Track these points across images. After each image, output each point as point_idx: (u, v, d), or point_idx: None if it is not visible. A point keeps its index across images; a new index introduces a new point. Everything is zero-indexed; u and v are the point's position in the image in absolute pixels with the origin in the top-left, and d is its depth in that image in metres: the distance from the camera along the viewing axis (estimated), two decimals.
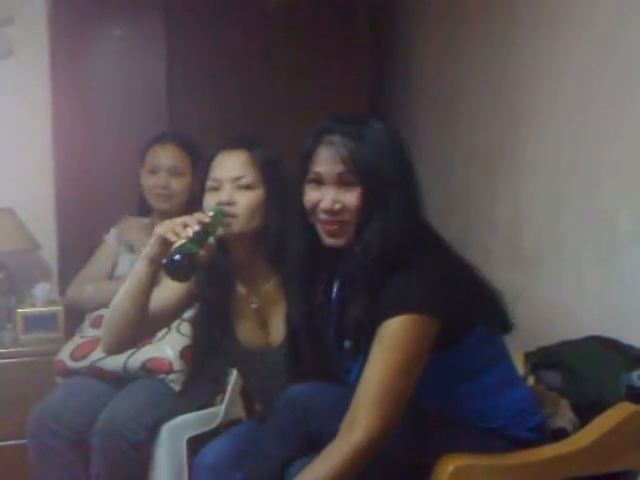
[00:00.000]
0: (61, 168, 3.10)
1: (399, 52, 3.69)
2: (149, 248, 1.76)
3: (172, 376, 2.27)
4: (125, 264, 2.53)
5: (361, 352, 1.62)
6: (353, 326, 1.64)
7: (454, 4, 3.16)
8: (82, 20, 3.10)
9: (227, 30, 3.26)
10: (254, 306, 1.93)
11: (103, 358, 2.29)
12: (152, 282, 1.80)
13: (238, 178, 1.83)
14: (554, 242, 2.53)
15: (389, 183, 1.61)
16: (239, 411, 2.34)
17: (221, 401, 2.33)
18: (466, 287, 1.64)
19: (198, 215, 1.75)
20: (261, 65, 3.30)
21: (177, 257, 1.64)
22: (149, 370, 2.27)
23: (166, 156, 2.51)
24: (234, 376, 2.29)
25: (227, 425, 2.25)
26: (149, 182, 2.51)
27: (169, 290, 1.90)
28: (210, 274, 1.89)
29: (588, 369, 2.00)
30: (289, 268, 1.76)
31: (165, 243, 1.72)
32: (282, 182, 1.86)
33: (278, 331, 1.90)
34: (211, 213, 1.77)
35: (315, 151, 1.65)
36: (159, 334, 2.31)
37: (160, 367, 2.27)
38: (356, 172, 1.60)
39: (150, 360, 2.27)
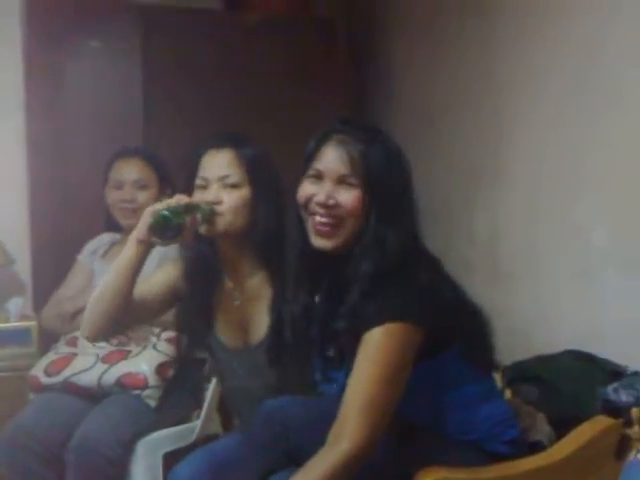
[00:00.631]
0: (35, 182, 3.06)
1: (380, 68, 3.71)
2: (138, 229, 1.80)
3: (148, 392, 2.25)
4: (101, 272, 2.48)
5: (345, 361, 1.61)
6: (338, 335, 1.63)
7: (434, 20, 3.18)
8: (57, 32, 3.07)
9: (204, 43, 3.25)
10: (237, 302, 1.95)
11: (78, 373, 2.26)
12: (140, 264, 1.83)
13: (224, 177, 1.85)
14: (532, 258, 2.55)
15: (393, 191, 1.61)
16: (216, 427, 2.33)
17: (198, 417, 2.31)
18: (450, 301, 1.63)
19: (190, 198, 1.82)
20: (239, 79, 3.29)
21: (165, 213, 1.74)
22: (124, 386, 2.24)
23: (130, 170, 2.49)
24: (211, 391, 2.28)
25: (204, 441, 2.23)
26: (114, 197, 2.50)
27: (152, 284, 1.95)
28: (197, 268, 1.92)
29: (564, 383, 2.01)
30: (291, 264, 1.76)
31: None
32: (269, 181, 1.88)
33: (257, 330, 1.92)
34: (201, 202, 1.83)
35: (320, 150, 1.64)
36: (135, 350, 2.30)
37: (135, 382, 2.24)
38: (362, 175, 1.59)
39: (125, 375, 2.25)
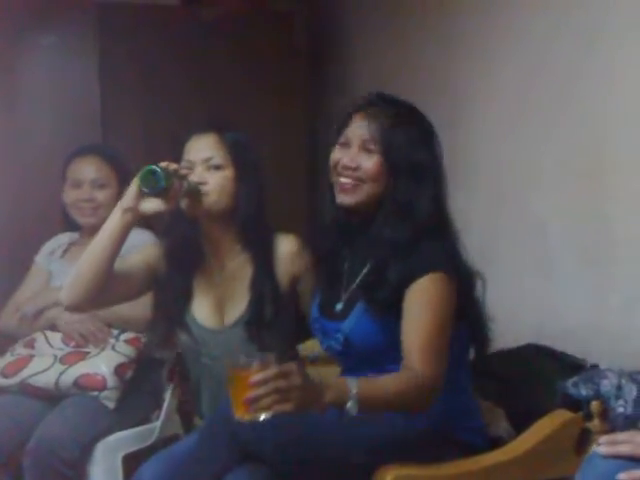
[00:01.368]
0: None
1: (339, 64, 3.71)
2: (124, 198, 1.83)
3: (106, 393, 2.21)
4: (60, 273, 2.45)
5: (350, 314, 1.75)
6: (363, 288, 1.75)
7: (392, 22, 3.18)
8: (11, 28, 3.03)
9: (161, 39, 3.22)
10: (216, 283, 1.98)
11: (35, 375, 2.22)
12: (124, 234, 1.84)
13: (208, 159, 1.92)
14: (492, 252, 2.55)
15: (414, 163, 1.74)
16: (176, 427, 2.31)
17: (157, 417, 2.29)
18: (469, 270, 1.78)
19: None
20: (196, 74, 3.27)
21: (155, 167, 1.78)
22: (82, 387, 2.21)
23: (88, 169, 2.46)
24: (170, 392, 2.26)
25: (164, 442, 2.20)
26: (72, 196, 2.46)
27: (132, 263, 1.98)
28: (179, 249, 1.97)
29: (524, 377, 2.03)
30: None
31: (141, 194, 1.80)
32: (251, 163, 1.97)
33: (234, 309, 1.95)
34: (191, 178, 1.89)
35: (351, 119, 1.80)
36: (93, 351, 2.27)
37: (93, 383, 2.21)
38: (382, 143, 1.73)
39: (83, 376, 2.21)
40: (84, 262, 1.89)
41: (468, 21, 2.70)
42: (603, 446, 1.21)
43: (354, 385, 1.52)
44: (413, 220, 1.72)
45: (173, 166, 1.84)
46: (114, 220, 1.84)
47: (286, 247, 1.99)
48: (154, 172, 1.79)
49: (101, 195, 2.44)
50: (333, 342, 1.79)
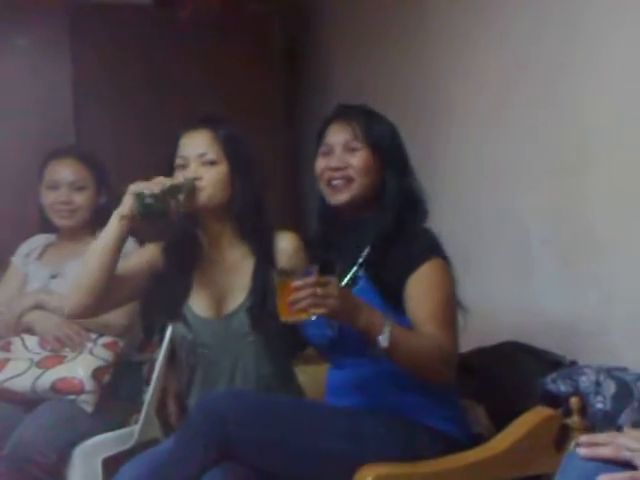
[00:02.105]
0: None
1: (316, 67, 3.70)
2: (121, 205, 1.85)
3: (83, 397, 2.19)
4: (36, 275, 2.43)
5: None
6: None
7: (371, 22, 3.18)
8: None
9: (134, 39, 3.20)
10: (215, 275, 1.99)
11: (10, 378, 2.20)
12: (122, 240, 1.87)
13: (202, 155, 1.94)
14: (473, 251, 2.56)
15: (397, 152, 1.85)
16: (156, 431, 2.29)
17: (136, 421, 2.26)
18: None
19: (172, 178, 1.89)
20: (170, 75, 3.25)
21: (148, 200, 1.81)
22: (59, 390, 2.18)
23: (66, 171, 2.43)
24: (150, 394, 2.24)
25: (143, 445, 2.18)
26: (50, 198, 2.43)
27: (133, 264, 1.99)
28: (179, 243, 1.99)
29: (504, 374, 2.03)
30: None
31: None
32: (245, 158, 1.99)
33: (232, 301, 1.96)
34: (182, 179, 1.90)
35: (327, 128, 1.87)
36: (70, 355, 2.24)
37: (71, 387, 2.19)
38: (363, 138, 1.82)
39: (60, 380, 2.19)
40: (85, 271, 1.90)
41: (448, 20, 2.71)
42: (583, 448, 1.19)
43: (390, 322, 1.61)
44: (409, 206, 1.82)
45: (166, 183, 1.84)
46: (111, 228, 1.86)
47: (286, 244, 1.99)
48: (147, 200, 1.81)
49: (79, 197, 2.41)
50: (327, 330, 1.81)
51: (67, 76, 3.11)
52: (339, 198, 1.83)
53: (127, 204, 1.84)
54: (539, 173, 2.29)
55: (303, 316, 1.58)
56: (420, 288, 1.72)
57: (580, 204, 2.13)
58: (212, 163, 1.94)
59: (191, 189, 1.90)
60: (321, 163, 1.86)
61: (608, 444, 1.18)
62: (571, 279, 2.17)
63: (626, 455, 1.16)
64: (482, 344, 2.21)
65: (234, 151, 1.97)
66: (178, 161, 1.95)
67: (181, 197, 1.86)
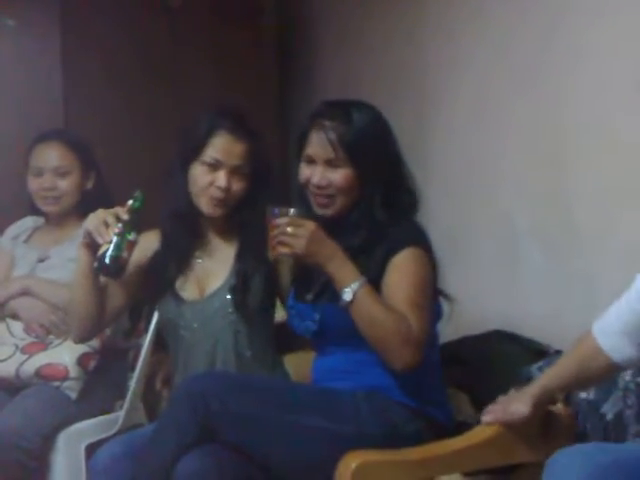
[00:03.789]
0: None
1: (306, 56, 3.69)
2: (82, 238, 1.87)
3: (68, 383, 2.19)
4: (23, 259, 2.41)
5: (328, 294, 1.78)
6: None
7: (358, 12, 3.18)
8: None
9: (126, 23, 3.17)
10: (199, 261, 2.00)
11: None
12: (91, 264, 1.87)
13: (238, 167, 1.93)
14: (459, 242, 2.57)
15: (378, 162, 1.78)
16: (140, 417, 2.29)
17: (121, 407, 2.26)
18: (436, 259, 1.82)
19: (117, 211, 1.84)
20: (161, 60, 3.22)
21: (106, 262, 1.81)
22: (44, 377, 2.18)
23: (50, 156, 2.39)
24: (134, 380, 2.23)
25: (128, 431, 2.17)
26: (34, 185, 2.40)
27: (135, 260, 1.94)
28: (176, 234, 1.99)
29: (489, 363, 2.04)
30: None
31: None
32: (271, 177, 2.01)
33: (214, 282, 1.98)
34: (130, 202, 1.85)
35: (308, 133, 1.81)
36: (56, 341, 2.24)
37: (55, 373, 2.18)
38: (344, 156, 1.76)
39: (45, 366, 2.18)
40: (74, 303, 1.94)
41: (433, 13, 2.72)
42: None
43: (363, 281, 1.65)
44: (393, 209, 1.79)
45: (116, 231, 1.81)
46: (82, 259, 1.89)
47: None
48: (107, 267, 1.82)
49: (63, 183, 2.39)
50: (309, 323, 1.82)
51: (57, 59, 3.06)
52: (324, 212, 1.81)
53: (87, 238, 1.85)
54: (524, 166, 2.31)
55: (278, 257, 1.73)
56: (396, 274, 1.71)
57: (564, 196, 2.15)
58: (243, 176, 1.95)
59: (142, 205, 1.87)
60: (305, 172, 1.82)
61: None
62: (556, 269, 2.19)
63: None
64: (468, 333, 2.22)
65: (262, 169, 1.98)
66: (208, 159, 1.93)
67: (133, 237, 1.84)
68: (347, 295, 1.65)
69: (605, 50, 1.97)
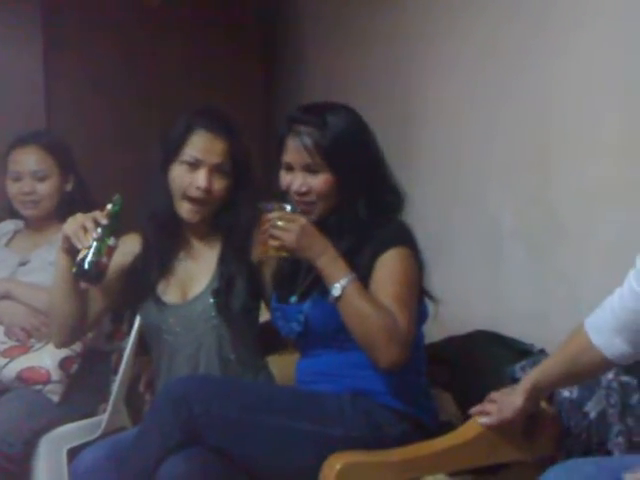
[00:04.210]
0: None
1: (290, 55, 3.68)
2: (61, 243, 1.83)
3: (50, 387, 2.17)
4: (4, 262, 2.38)
5: (312, 295, 1.79)
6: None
7: (343, 13, 3.18)
8: None
9: (107, 25, 3.15)
10: (181, 262, 2.00)
11: None
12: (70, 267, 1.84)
13: (218, 165, 1.91)
14: (445, 241, 2.57)
15: (357, 165, 1.77)
16: (124, 420, 2.27)
17: (104, 410, 2.24)
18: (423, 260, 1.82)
19: (96, 215, 1.80)
20: (144, 62, 3.21)
21: (85, 267, 1.77)
22: (25, 380, 2.16)
23: (29, 160, 2.36)
24: (117, 383, 2.21)
25: (111, 435, 2.16)
26: (13, 189, 2.38)
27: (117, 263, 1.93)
28: (158, 236, 1.97)
29: (473, 363, 2.03)
30: None
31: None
32: (252, 175, 1.98)
33: (196, 286, 1.96)
34: (109, 206, 1.82)
35: (284, 140, 1.79)
36: (37, 344, 2.22)
37: (37, 377, 2.16)
38: (321, 161, 1.74)
39: (26, 370, 2.16)
40: (53, 310, 1.93)
41: (418, 12, 2.71)
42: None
43: (352, 277, 1.66)
44: (374, 212, 1.78)
45: (94, 236, 1.78)
46: (59, 265, 1.87)
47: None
48: (86, 272, 1.78)
49: (42, 187, 2.36)
50: (294, 324, 1.81)
51: (39, 59, 3.05)
52: (307, 218, 1.78)
53: (65, 244, 1.81)
54: (509, 167, 2.31)
55: (269, 252, 1.72)
56: (383, 272, 1.70)
57: (548, 196, 2.15)
58: (224, 174, 1.92)
59: (120, 208, 1.84)
60: (285, 179, 1.81)
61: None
62: (540, 270, 2.19)
63: None
64: (452, 333, 2.22)
65: (242, 167, 1.95)
66: (187, 158, 1.90)
67: (112, 242, 1.80)
68: (336, 290, 1.65)
69: (591, 51, 1.97)
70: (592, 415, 1.63)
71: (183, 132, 1.92)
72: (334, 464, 1.61)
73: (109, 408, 2.21)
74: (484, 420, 1.64)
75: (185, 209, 1.92)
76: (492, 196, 2.38)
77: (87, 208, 1.90)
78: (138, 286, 1.98)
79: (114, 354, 2.37)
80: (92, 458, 1.82)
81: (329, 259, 1.69)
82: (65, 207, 2.31)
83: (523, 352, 1.98)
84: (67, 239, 1.80)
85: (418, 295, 1.76)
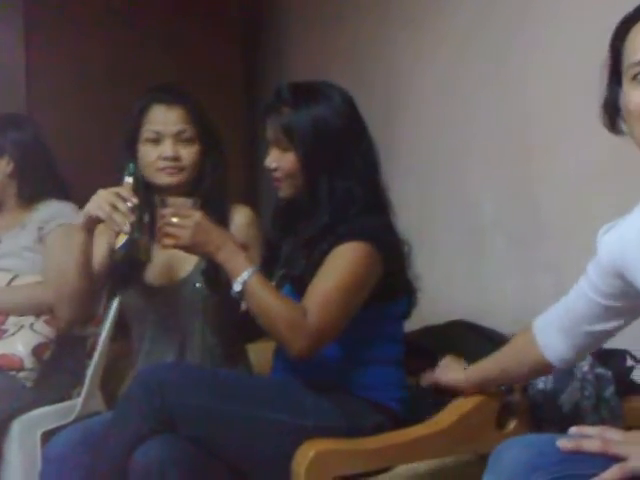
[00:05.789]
0: None
1: (272, 46, 3.67)
2: (83, 222, 1.77)
3: (23, 373, 2.14)
4: None
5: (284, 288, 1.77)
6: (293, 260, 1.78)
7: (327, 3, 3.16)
8: None
9: (90, 6, 3.13)
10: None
11: None
12: (91, 247, 1.82)
13: (181, 132, 1.91)
14: (425, 230, 2.56)
15: (328, 148, 1.73)
16: (99, 404, 2.25)
17: (79, 394, 2.23)
18: (402, 251, 1.78)
19: (123, 193, 1.73)
20: (126, 43, 3.18)
21: (124, 249, 1.72)
22: None
23: None
24: (92, 368, 2.20)
25: (85, 418, 2.14)
26: None
27: (97, 251, 1.89)
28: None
29: (451, 353, 2.02)
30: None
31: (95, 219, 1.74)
32: (215, 137, 1.98)
33: (183, 268, 1.94)
34: (130, 180, 1.77)
35: (264, 121, 1.80)
36: (11, 329, 2.19)
37: (10, 364, 2.14)
38: (289, 141, 1.73)
39: None
40: (68, 288, 1.85)
41: (399, 12, 2.70)
42: (567, 440, 1.13)
43: (253, 271, 1.62)
44: (339, 206, 1.72)
45: (130, 220, 1.72)
46: (81, 240, 1.79)
47: (240, 218, 1.97)
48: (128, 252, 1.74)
49: None
50: None
51: (21, 51, 3.03)
52: (279, 194, 1.82)
53: (87, 222, 1.75)
54: (491, 156, 2.30)
55: (162, 244, 1.68)
56: (326, 265, 1.66)
57: (529, 186, 2.15)
58: (189, 141, 1.92)
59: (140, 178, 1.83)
60: (266, 157, 1.82)
61: (597, 438, 1.14)
62: (521, 260, 2.19)
63: (616, 450, 1.11)
64: (433, 323, 2.22)
65: (206, 130, 1.96)
66: (148, 134, 1.91)
67: (146, 217, 1.78)
68: (237, 286, 1.63)
69: (570, 40, 1.97)
70: (566, 407, 1.63)
71: (139, 112, 1.92)
72: (307, 451, 1.59)
73: (84, 392, 2.20)
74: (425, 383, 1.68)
75: (160, 177, 1.91)
76: (474, 186, 2.38)
77: (38, 182, 1.96)
78: (122, 268, 1.95)
79: (89, 339, 2.35)
80: (65, 442, 1.80)
81: (229, 254, 1.66)
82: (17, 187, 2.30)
83: (501, 343, 1.97)
84: (93, 220, 1.75)
85: (363, 293, 1.69)
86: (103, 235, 1.88)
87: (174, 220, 1.66)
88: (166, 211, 1.68)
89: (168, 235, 1.66)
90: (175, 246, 1.68)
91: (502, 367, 1.59)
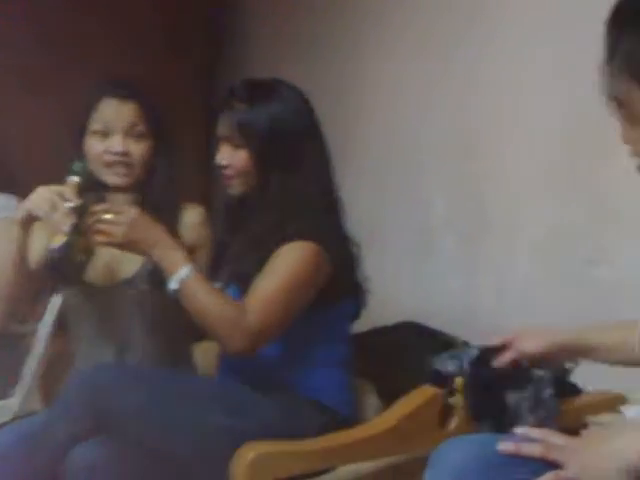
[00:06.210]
0: None
1: (235, 36, 3.64)
2: (20, 216, 1.71)
3: None
4: None
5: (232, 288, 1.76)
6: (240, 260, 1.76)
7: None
8: None
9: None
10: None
11: None
12: (26, 243, 1.76)
13: (132, 126, 1.86)
14: (376, 229, 2.56)
15: (280, 147, 1.72)
16: (36, 404, 2.19)
17: (16, 393, 2.16)
18: (351, 251, 1.79)
19: (64, 193, 1.65)
20: (93, 36, 3.15)
21: (62, 251, 1.64)
22: None
23: None
24: (31, 366, 2.14)
25: (22, 418, 2.09)
26: None
27: (34, 247, 1.82)
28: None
29: (398, 354, 2.02)
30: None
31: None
32: (168, 134, 1.94)
33: (127, 268, 1.89)
34: (76, 178, 1.68)
35: (219, 116, 1.78)
36: None
37: None
38: (241, 138, 1.73)
39: None
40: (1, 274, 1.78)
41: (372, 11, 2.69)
42: (507, 443, 1.12)
43: (190, 269, 1.60)
44: (290, 205, 1.72)
45: (71, 222, 1.65)
46: (18, 236, 1.72)
47: (190, 217, 1.94)
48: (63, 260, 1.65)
49: None
50: None
51: None
52: (229, 191, 1.80)
53: (24, 217, 1.68)
54: (442, 156, 2.31)
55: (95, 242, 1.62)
56: (271, 263, 1.66)
57: (476, 187, 2.16)
58: (140, 137, 1.87)
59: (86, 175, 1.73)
60: (217, 154, 1.80)
61: (539, 442, 1.12)
62: (468, 262, 2.19)
63: (555, 456, 1.10)
64: (382, 324, 2.20)
65: (159, 126, 1.92)
66: (96, 126, 1.86)
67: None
68: (173, 284, 1.61)
69: (519, 39, 1.98)
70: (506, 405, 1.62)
71: (88, 104, 1.88)
72: (247, 454, 1.57)
73: (22, 391, 2.14)
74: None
75: (107, 175, 1.86)
76: (425, 185, 2.38)
77: None
78: (64, 267, 1.89)
79: (28, 336, 2.29)
80: (3, 442, 1.75)
81: (164, 250, 1.63)
82: None
83: (448, 344, 1.97)
84: (30, 217, 1.69)
85: (306, 293, 1.69)
86: (42, 230, 1.82)
87: (107, 217, 1.62)
88: (99, 207, 1.64)
89: (100, 232, 1.62)
90: (108, 244, 1.64)
91: (599, 347, 1.48)
